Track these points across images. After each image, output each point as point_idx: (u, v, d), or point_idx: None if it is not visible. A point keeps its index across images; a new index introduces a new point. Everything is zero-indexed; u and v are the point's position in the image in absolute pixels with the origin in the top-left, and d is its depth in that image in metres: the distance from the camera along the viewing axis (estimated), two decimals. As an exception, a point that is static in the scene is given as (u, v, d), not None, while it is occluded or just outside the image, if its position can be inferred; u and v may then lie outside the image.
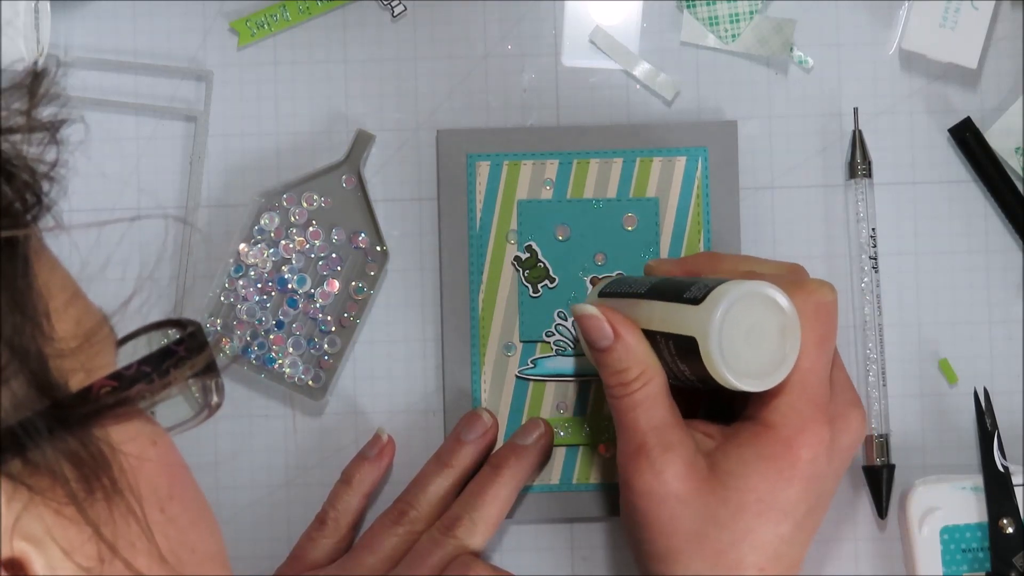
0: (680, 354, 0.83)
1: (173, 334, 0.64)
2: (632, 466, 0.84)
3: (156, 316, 0.65)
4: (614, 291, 0.88)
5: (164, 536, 0.61)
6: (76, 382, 0.59)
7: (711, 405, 0.89)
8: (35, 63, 0.61)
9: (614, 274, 0.95)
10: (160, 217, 0.97)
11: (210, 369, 0.64)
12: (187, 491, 0.64)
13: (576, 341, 0.95)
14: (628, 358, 0.85)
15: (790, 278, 0.84)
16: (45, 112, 0.60)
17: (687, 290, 0.83)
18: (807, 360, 0.83)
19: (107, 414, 0.59)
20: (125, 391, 0.60)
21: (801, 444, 0.83)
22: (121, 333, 0.63)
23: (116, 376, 0.60)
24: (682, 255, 0.95)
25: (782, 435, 0.83)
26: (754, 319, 0.81)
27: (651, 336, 0.85)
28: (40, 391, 0.57)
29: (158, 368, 0.61)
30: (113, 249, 0.92)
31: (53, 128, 0.60)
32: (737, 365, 0.81)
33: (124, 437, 0.60)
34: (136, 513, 0.59)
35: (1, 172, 0.58)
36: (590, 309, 0.86)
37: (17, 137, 0.59)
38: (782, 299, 0.82)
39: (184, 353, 0.63)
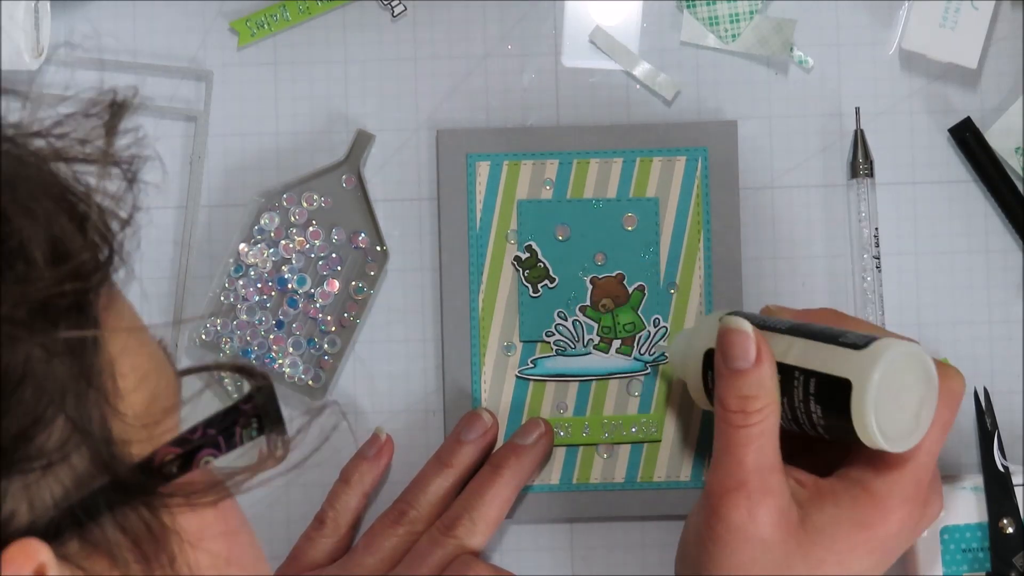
0: (819, 395, 0.83)
1: (224, 380, 0.60)
2: (729, 500, 0.83)
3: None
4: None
5: None
6: (138, 450, 0.55)
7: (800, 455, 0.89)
8: (114, 93, 0.55)
9: (614, 273, 0.95)
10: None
11: (277, 426, 0.59)
12: (245, 554, 0.61)
13: (581, 342, 0.95)
14: (760, 387, 0.83)
15: None
16: (119, 147, 0.55)
17: (843, 335, 0.83)
18: (929, 441, 0.83)
19: (171, 486, 0.55)
20: (189, 458, 0.56)
21: (895, 520, 0.83)
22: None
23: (180, 442, 0.56)
24: (682, 255, 0.95)
25: (882, 506, 0.83)
26: (906, 381, 0.82)
27: (782, 370, 0.84)
28: (102, 466, 0.53)
29: (225, 430, 0.57)
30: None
31: (132, 165, 0.55)
32: (881, 420, 0.81)
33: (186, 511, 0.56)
34: None
35: (73, 216, 0.52)
36: (745, 325, 0.84)
37: (89, 175, 0.53)
38: (934, 371, 0.83)
39: (252, 411, 0.58)
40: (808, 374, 0.83)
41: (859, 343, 0.82)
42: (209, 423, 0.57)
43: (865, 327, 0.87)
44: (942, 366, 0.85)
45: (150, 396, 0.56)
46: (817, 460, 0.87)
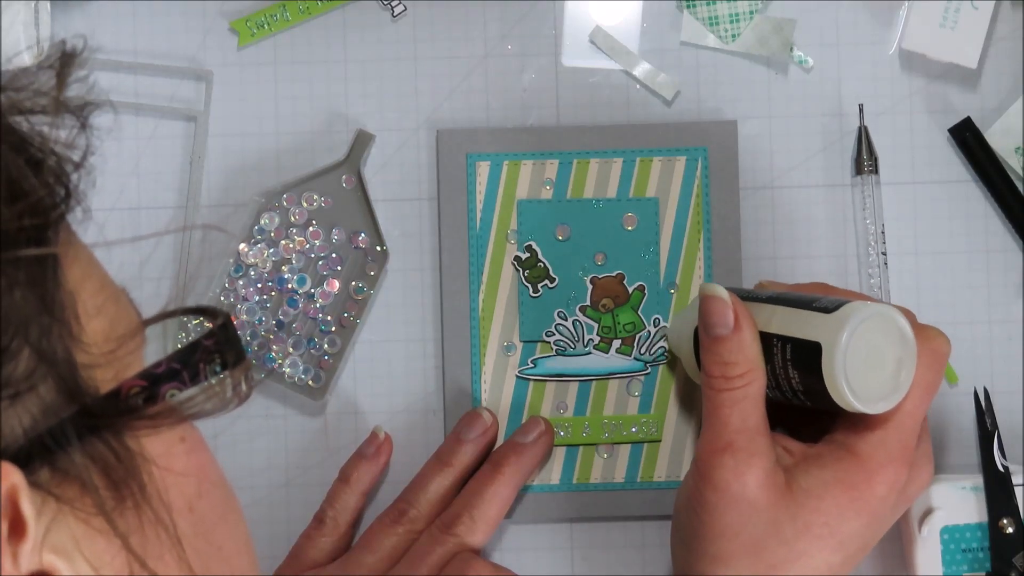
0: (795, 360, 0.83)
1: (194, 321, 0.62)
2: (715, 460, 0.84)
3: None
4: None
5: (191, 544, 0.59)
6: (102, 375, 0.57)
7: (789, 424, 0.89)
8: (63, 42, 0.58)
9: (614, 273, 0.95)
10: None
11: (240, 362, 0.61)
12: (214, 487, 0.62)
13: (576, 333, 0.95)
14: (739, 352, 0.84)
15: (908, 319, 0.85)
16: (71, 96, 0.57)
17: (816, 300, 0.84)
18: (911, 402, 0.84)
19: (138, 416, 0.57)
20: (155, 391, 0.58)
21: (880, 480, 0.83)
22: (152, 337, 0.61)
23: (145, 375, 0.58)
24: (682, 255, 0.95)
25: (866, 466, 0.83)
26: (879, 342, 0.82)
27: (765, 339, 0.85)
28: (69, 396, 0.55)
29: (188, 365, 0.59)
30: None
31: (83, 112, 0.57)
32: (853, 382, 0.82)
33: (153, 439, 0.58)
34: (165, 523, 0.58)
35: (28, 160, 0.55)
36: (721, 291, 0.85)
37: (44, 123, 0.56)
38: (909, 332, 0.83)
39: (214, 347, 0.60)
40: (784, 340, 0.84)
41: (830, 307, 0.83)
42: (172, 358, 0.58)
43: (855, 297, 0.87)
44: (923, 327, 0.85)
45: (109, 323, 0.58)
46: (810, 439, 0.87)
